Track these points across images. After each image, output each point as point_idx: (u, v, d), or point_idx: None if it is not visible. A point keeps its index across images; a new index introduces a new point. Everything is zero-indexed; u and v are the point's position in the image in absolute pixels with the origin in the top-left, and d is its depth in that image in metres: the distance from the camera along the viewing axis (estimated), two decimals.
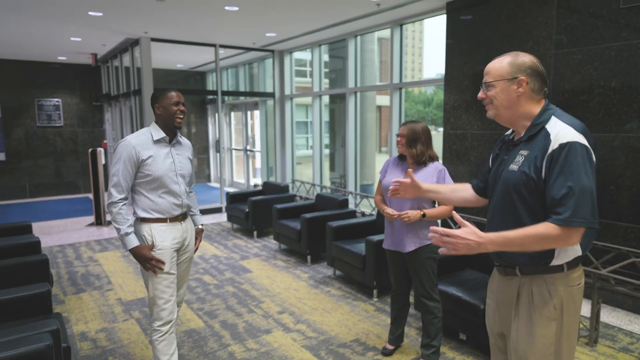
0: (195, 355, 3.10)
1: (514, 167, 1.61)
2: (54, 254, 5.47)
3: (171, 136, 2.53)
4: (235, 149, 10.46)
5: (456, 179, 4.35)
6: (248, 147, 9.79)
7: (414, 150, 2.79)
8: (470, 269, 3.65)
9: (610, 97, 3.73)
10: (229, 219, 6.60)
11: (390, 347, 3.11)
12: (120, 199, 2.39)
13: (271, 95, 8.16)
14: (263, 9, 5.14)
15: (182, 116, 2.53)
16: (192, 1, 4.83)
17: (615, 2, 3.64)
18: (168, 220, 2.49)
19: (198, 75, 10.74)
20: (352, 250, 4.15)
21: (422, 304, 2.90)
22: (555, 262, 1.56)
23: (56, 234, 6.45)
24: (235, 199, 6.52)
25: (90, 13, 5.23)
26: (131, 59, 7.24)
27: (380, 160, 7.97)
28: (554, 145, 1.50)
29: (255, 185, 8.51)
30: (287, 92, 8.07)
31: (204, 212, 7.63)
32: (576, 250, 1.57)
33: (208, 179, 11.21)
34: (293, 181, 8.04)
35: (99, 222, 6.87)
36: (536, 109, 1.62)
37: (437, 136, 6.92)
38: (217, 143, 8.31)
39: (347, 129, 6.76)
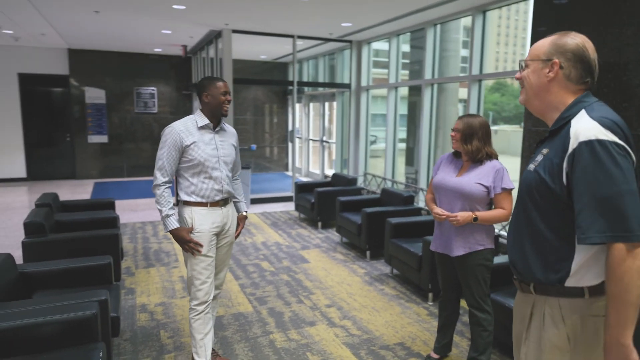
0: (238, 339, 3.17)
1: (531, 166, 1.38)
2: (135, 230, 5.95)
3: (215, 123, 2.58)
4: (313, 140, 10.57)
5: None
6: (324, 138, 9.83)
7: (469, 146, 2.55)
8: None
9: None
10: (296, 208, 6.68)
11: (435, 356, 2.91)
12: (163, 182, 2.49)
13: (347, 86, 8.08)
14: None
15: (228, 105, 2.57)
16: None
17: None
18: (209, 205, 2.55)
19: (281, 66, 10.99)
20: (409, 249, 3.96)
21: (471, 314, 2.67)
22: (571, 282, 1.29)
23: (141, 212, 7.02)
24: (303, 189, 6.58)
25: (174, 6, 5.54)
26: (215, 50, 7.59)
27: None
28: (573, 144, 1.24)
29: (325, 176, 8.52)
30: (364, 83, 7.93)
31: (274, 200, 7.82)
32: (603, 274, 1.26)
33: (286, 167, 11.48)
34: (365, 174, 7.91)
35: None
36: (569, 100, 1.35)
37: (513, 133, 6.32)
38: (291, 133, 8.45)
39: (422, 122, 6.46)
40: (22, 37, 7.93)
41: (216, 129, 2.60)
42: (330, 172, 9.56)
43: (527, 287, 1.40)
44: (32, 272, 2.91)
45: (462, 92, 7.63)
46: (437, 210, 2.58)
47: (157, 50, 9.47)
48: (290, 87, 10.78)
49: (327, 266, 4.68)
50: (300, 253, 5.10)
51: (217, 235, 2.63)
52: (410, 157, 7.76)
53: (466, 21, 6.53)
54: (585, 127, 1.24)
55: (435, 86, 6.44)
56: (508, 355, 2.99)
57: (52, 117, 9.65)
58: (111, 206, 4.96)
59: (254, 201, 7.56)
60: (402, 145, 7.81)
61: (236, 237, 2.78)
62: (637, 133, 3.32)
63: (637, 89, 3.61)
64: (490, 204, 2.58)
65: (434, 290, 3.78)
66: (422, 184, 6.55)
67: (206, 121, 2.55)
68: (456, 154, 2.71)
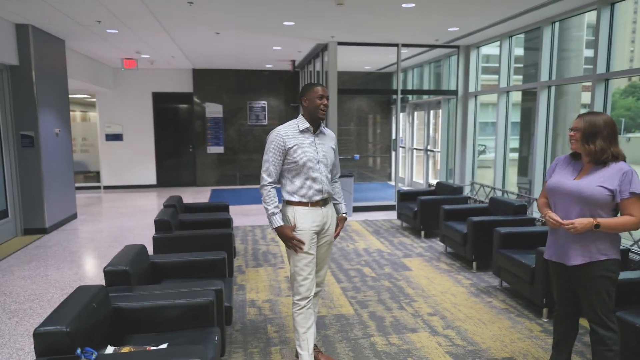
0: (339, 339, 3.23)
1: None
2: (245, 232, 6.40)
3: (315, 127, 2.70)
4: (416, 149, 10.39)
5: None
6: (429, 147, 9.61)
7: (591, 146, 2.32)
8: None
9: None
10: (399, 216, 6.61)
11: None
12: (269, 182, 2.67)
13: (454, 93, 7.83)
14: (440, 2, 4.98)
15: (325, 109, 2.67)
16: (369, 3, 5.01)
17: None
18: (309, 204, 2.67)
19: (385, 76, 11.04)
20: (520, 260, 3.70)
21: (592, 331, 2.41)
22: None
23: (252, 216, 7.52)
24: (405, 197, 6.50)
25: (284, 23, 5.92)
26: (321, 62, 7.90)
27: None
28: None
29: (429, 186, 8.30)
30: (471, 89, 7.62)
31: (376, 209, 7.83)
32: None
33: (389, 177, 11.43)
34: (472, 184, 7.56)
35: None
36: None
37: None
38: (394, 142, 8.41)
39: (537, 128, 6.01)
40: (157, 60, 9.07)
41: (316, 132, 2.72)
42: (434, 182, 9.31)
43: None
44: (161, 263, 3.30)
45: (586, 97, 6.94)
46: (552, 215, 2.39)
47: (268, 66, 10.14)
48: (394, 96, 10.81)
49: (430, 275, 4.55)
50: (402, 261, 5.04)
51: (318, 234, 2.73)
52: (524, 167, 7.23)
53: (590, 18, 5.96)
54: None
55: (553, 89, 5.95)
56: None
57: (178, 130, 10.84)
58: (226, 209, 5.41)
59: (356, 209, 7.65)
60: (514, 155, 7.33)
61: (335, 236, 2.86)
62: None
63: None
64: (615, 210, 2.32)
65: (548, 306, 3.48)
66: (536, 193, 6.06)
67: (306, 125, 2.68)
68: (575, 156, 2.48)
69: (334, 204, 2.89)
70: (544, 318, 3.52)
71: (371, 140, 11.42)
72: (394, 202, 7.89)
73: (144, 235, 6.09)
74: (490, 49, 7.82)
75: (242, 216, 7.44)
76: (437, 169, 9.62)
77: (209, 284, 2.75)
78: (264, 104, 10.90)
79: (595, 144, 2.31)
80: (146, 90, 10.45)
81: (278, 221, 2.65)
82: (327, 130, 2.81)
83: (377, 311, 3.70)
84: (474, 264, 4.67)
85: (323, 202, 2.73)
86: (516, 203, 4.84)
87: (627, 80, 5.89)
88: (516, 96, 7.09)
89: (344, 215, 2.93)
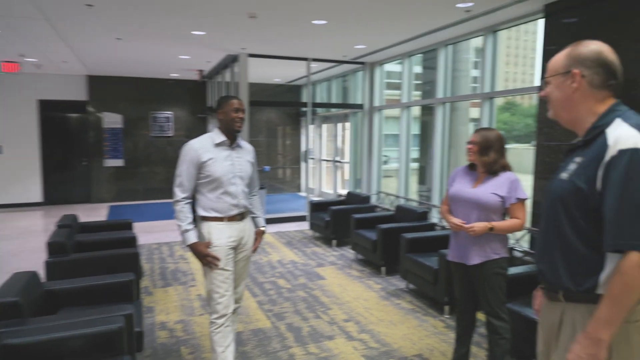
0: (258, 354, 3.19)
1: (564, 175, 1.39)
2: (151, 251, 6.04)
3: (231, 140, 2.67)
4: (325, 160, 10.67)
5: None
6: (337, 158, 9.93)
7: (485, 158, 2.62)
8: None
9: None
10: (311, 227, 6.73)
11: None
12: (183, 198, 2.58)
13: (360, 107, 8.21)
14: (350, 21, 5.23)
15: (241, 122, 2.66)
16: (281, 17, 5.09)
17: None
18: (225, 220, 2.62)
19: (294, 88, 11.22)
20: (424, 263, 3.98)
21: (487, 322, 2.70)
22: (600, 290, 1.30)
23: (156, 233, 7.12)
24: (317, 208, 6.64)
25: (193, 32, 5.77)
26: (231, 74, 7.81)
27: None
28: (612, 152, 1.25)
29: (339, 195, 8.58)
30: (376, 103, 8.06)
31: (288, 220, 7.88)
32: None
33: (298, 188, 11.57)
34: (378, 193, 7.96)
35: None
36: (600, 108, 1.37)
37: (525, 150, 6.35)
38: (305, 153, 8.60)
39: (435, 141, 6.53)
40: (45, 64, 8.25)
41: (232, 146, 2.69)
42: (343, 192, 9.63)
43: (556, 296, 1.42)
44: (58, 290, 2.99)
45: (473, 112, 7.72)
46: (455, 220, 2.63)
47: (174, 75, 9.76)
48: (304, 109, 11.02)
49: (343, 282, 4.69)
50: (315, 270, 5.12)
51: (235, 249, 2.69)
52: (423, 176, 7.80)
53: (476, 42, 6.67)
54: (626, 136, 1.25)
55: (448, 105, 6.52)
56: None
57: (69, 142, 9.90)
58: (129, 227, 5.06)
59: (269, 221, 7.62)
60: (414, 165, 7.86)
61: (254, 250, 2.84)
62: None
63: None
64: (504, 214, 2.62)
65: (450, 303, 3.78)
66: (435, 200, 6.57)
67: (222, 138, 2.65)
68: (471, 167, 2.77)
69: (252, 218, 2.87)
70: (445, 315, 3.82)
71: (281, 152, 11.49)
72: (305, 213, 8.01)
73: (32, 261, 5.46)
74: (393, 66, 8.35)
75: (146, 234, 7.01)
76: (345, 180, 9.97)
77: (117, 309, 2.56)
78: (169, 114, 10.44)
79: (489, 156, 2.61)
80: (30, 98, 9.41)
81: (191, 238, 2.56)
82: (244, 144, 2.79)
83: (294, 322, 3.73)
84: (383, 269, 4.91)
85: (240, 217, 2.70)
86: (419, 210, 5.21)
87: (504, 97, 6.67)
88: (415, 110, 7.64)
89: (262, 229, 2.92)
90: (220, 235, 2.61)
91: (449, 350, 3.21)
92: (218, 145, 2.64)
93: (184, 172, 2.58)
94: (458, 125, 7.04)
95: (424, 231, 4.78)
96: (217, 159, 2.61)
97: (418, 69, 7.68)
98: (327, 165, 10.72)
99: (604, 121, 1.34)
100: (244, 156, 2.76)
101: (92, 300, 3.03)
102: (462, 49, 6.79)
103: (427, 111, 7.54)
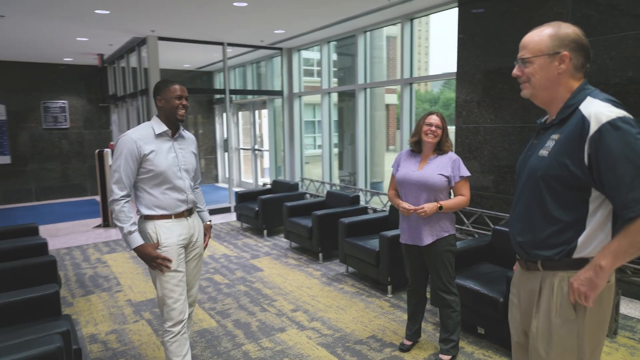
0: (209, 355, 3.02)
1: (543, 152, 1.46)
2: (61, 257, 5.41)
3: (174, 130, 2.45)
4: (244, 149, 10.40)
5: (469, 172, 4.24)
6: (256, 147, 9.72)
7: (447, 142, 2.73)
8: (487, 262, 3.55)
9: (627, 87, 3.62)
10: (238, 218, 6.52)
11: (408, 343, 3.02)
12: (122, 196, 2.31)
13: (279, 93, 8.09)
14: (272, 4, 5.07)
15: (184, 110, 2.43)
16: None
17: None
18: (173, 217, 2.41)
19: (205, 75, 10.70)
20: (365, 246, 4.06)
21: (440, 298, 2.81)
22: (577, 254, 1.42)
23: (63, 237, 6.40)
24: (244, 198, 6.45)
25: (97, 11, 5.18)
26: (138, 58, 7.19)
27: (390, 158, 7.88)
28: (594, 126, 1.33)
29: (264, 184, 8.43)
30: (296, 90, 7.99)
31: (212, 212, 7.56)
32: (606, 242, 1.39)
33: (216, 179, 11.15)
34: (302, 180, 7.96)
35: (107, 224, 6.81)
36: (574, 88, 1.45)
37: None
38: (226, 142, 8.26)
39: (357, 126, 6.67)
40: None
41: (175, 136, 2.47)
42: (263, 181, 9.48)
43: (535, 265, 1.51)
44: None
45: (388, 98, 8.02)
46: (405, 205, 2.70)
47: (68, 59, 8.74)
48: (217, 96, 10.57)
49: (282, 272, 4.63)
50: (251, 262, 4.98)
51: (185, 248, 2.49)
52: (342, 161, 7.96)
53: (388, 30, 6.89)
54: (603, 110, 1.33)
55: (369, 91, 6.68)
56: (469, 332, 3.18)
57: None
58: (35, 232, 4.45)
59: None
60: (335, 151, 7.99)
61: (204, 247, 2.66)
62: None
63: None
64: (449, 193, 2.75)
65: (393, 283, 3.91)
66: (361, 184, 6.74)
67: (164, 128, 2.41)
68: (414, 150, 2.84)
69: (198, 212, 2.67)
70: (389, 294, 3.95)
71: None
72: (228, 204, 7.75)
73: None
74: (308, 54, 8.34)
75: (51, 238, 6.26)
76: (264, 168, 9.81)
77: (51, 327, 2.24)
78: (63, 103, 9.35)
79: (448, 139, 2.73)
80: None
81: (137, 240, 2.30)
82: (186, 134, 2.57)
83: (241, 318, 3.59)
84: (321, 255, 4.93)
85: (188, 213, 2.50)
86: (351, 195, 5.30)
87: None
88: (333, 97, 7.72)
89: (209, 223, 2.74)
90: (170, 234, 2.39)
91: (400, 328, 3.32)
92: (159, 135, 2.40)
93: (121, 167, 2.30)
94: (375, 111, 7.27)
95: (357, 215, 4.87)
96: (159, 151, 2.37)
97: (334, 56, 7.76)
98: (245, 154, 10.46)
99: (577, 99, 1.43)
100: (187, 147, 2.54)
101: (11, 320, 2.62)
102: (376, 36, 6.99)
103: (344, 97, 7.67)
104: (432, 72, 5.66)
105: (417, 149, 2.82)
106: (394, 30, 6.69)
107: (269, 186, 6.96)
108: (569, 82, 1.45)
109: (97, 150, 6.70)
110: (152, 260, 2.32)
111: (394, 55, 7.49)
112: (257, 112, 9.75)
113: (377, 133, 7.29)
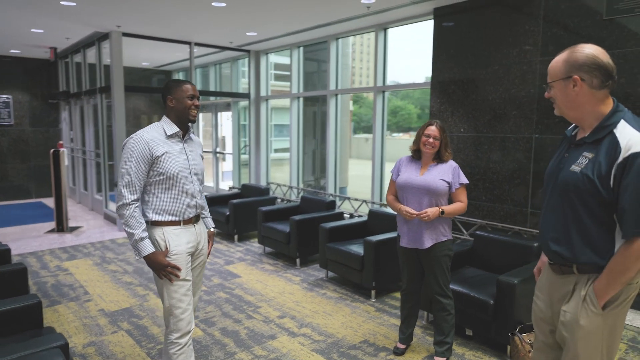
0: None
1: (575, 168, 1.57)
2: None
3: (184, 131, 2.37)
4: (204, 152, 10.12)
5: None
6: (218, 150, 9.51)
7: (446, 152, 2.82)
8: (469, 266, 3.70)
9: None
10: None
11: (402, 346, 3.08)
12: (133, 200, 2.20)
13: (246, 96, 7.97)
14: (251, 6, 5.00)
15: (196, 110, 2.37)
16: None
17: (598, 14, 3.85)
18: (182, 223, 2.32)
19: (164, 74, 10.32)
20: (349, 251, 4.10)
21: (436, 301, 2.89)
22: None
23: (12, 242, 5.92)
24: (213, 202, 6.29)
25: (62, 2, 4.86)
26: (98, 54, 6.82)
27: (352, 164, 8.00)
28: (624, 154, 1.45)
29: (231, 188, 8.25)
30: (263, 93, 7.92)
31: None
32: None
33: None
34: (268, 184, 7.88)
35: (61, 228, 6.38)
36: (603, 107, 1.56)
37: (392, 141, 7.05)
38: None
39: (328, 131, 6.71)
40: None
41: (185, 138, 2.38)
42: (223, 185, 9.28)
43: (569, 269, 1.63)
44: None
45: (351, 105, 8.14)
46: (407, 209, 2.76)
47: (14, 51, 8.11)
48: None
49: (261, 278, 4.56)
50: (227, 269, 4.86)
51: (192, 255, 2.40)
52: (309, 166, 7.97)
53: (354, 38, 7.02)
54: (636, 140, 1.45)
55: (340, 97, 6.75)
56: (457, 333, 3.29)
57: None
58: None
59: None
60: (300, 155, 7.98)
61: (208, 255, 2.58)
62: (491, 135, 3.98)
63: (524, 99, 4.34)
64: (448, 198, 2.85)
65: (376, 288, 3.97)
66: (331, 189, 6.79)
67: (175, 129, 2.32)
68: (414, 156, 2.93)
69: (202, 218, 2.58)
70: (372, 299, 4.00)
71: None
72: None
73: None
74: (279, 58, 8.29)
75: None
76: (223, 171, 9.61)
77: (48, 340, 2.07)
78: (7, 98, 8.66)
79: (447, 150, 2.81)
80: None
81: (148, 247, 2.19)
82: (194, 136, 2.49)
83: (227, 326, 3.50)
84: (298, 260, 4.91)
85: (196, 219, 2.42)
86: (327, 200, 5.32)
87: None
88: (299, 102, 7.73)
89: (212, 230, 2.65)
90: (179, 242, 2.29)
91: (389, 332, 3.38)
92: (170, 137, 2.30)
93: (132, 170, 2.18)
94: (341, 117, 7.36)
95: (335, 220, 4.91)
96: (171, 153, 2.27)
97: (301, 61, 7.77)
98: (205, 157, 10.17)
99: (611, 122, 1.54)
100: (196, 149, 2.46)
101: None
102: (345, 43, 7.09)
103: (309, 103, 7.70)
104: (389, 81, 5.81)
105: (417, 156, 2.90)
106: (357, 37, 6.83)
107: (236, 190, 6.83)
108: (591, 101, 1.56)
109: (52, 150, 6.26)
110: (163, 268, 2.21)
111: (357, 62, 7.66)
112: (219, 114, 9.54)
113: (342, 138, 7.38)
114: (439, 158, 2.82)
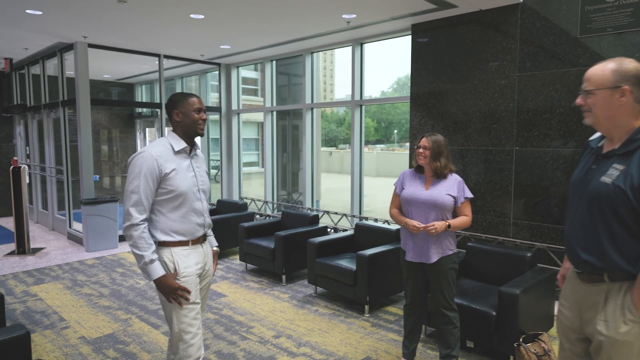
0: None
1: (606, 179, 1.61)
2: None
3: (191, 146, 2.27)
4: None
5: None
6: None
7: (437, 163, 2.82)
8: (464, 277, 3.76)
9: (570, 116, 4.14)
10: None
11: None
12: (142, 221, 2.08)
13: (217, 109, 7.81)
14: (229, 18, 4.93)
15: (204, 125, 2.29)
16: (156, 7, 4.47)
17: (573, 32, 4.09)
18: (190, 243, 2.21)
19: (125, 87, 9.94)
20: (340, 266, 4.05)
21: (442, 315, 2.90)
22: None
23: None
24: None
25: (28, 11, 4.58)
26: (59, 65, 6.47)
27: (326, 177, 8.01)
28: None
29: (210, 204, 8.01)
30: (234, 107, 7.79)
31: None
32: None
33: None
34: (241, 199, 7.73)
35: (22, 250, 5.93)
36: (636, 121, 1.61)
37: (345, 153, 7.12)
38: None
39: (305, 144, 6.69)
40: None
41: (191, 154, 2.29)
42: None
43: (600, 278, 1.66)
44: None
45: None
46: (414, 222, 2.76)
47: None
48: (140, 110, 9.88)
49: (248, 297, 4.42)
50: (210, 288, 4.67)
51: (199, 276, 2.29)
52: (284, 180, 7.89)
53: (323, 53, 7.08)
54: None
55: (316, 111, 6.75)
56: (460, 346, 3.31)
57: None
58: None
59: (123, 238, 6.61)
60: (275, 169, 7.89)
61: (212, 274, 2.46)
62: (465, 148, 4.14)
63: (503, 113, 4.51)
64: (454, 211, 2.89)
65: (370, 303, 3.95)
66: (308, 204, 6.74)
67: (183, 144, 2.22)
68: (418, 169, 2.95)
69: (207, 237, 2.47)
70: (366, 314, 3.97)
71: (109, 159, 10.05)
72: None
73: None
74: (250, 73, 8.21)
75: None
76: None
77: None
78: None
79: (441, 161, 2.82)
80: None
81: (159, 270, 2.07)
82: (199, 151, 2.39)
83: (222, 348, 3.35)
84: (284, 277, 4.80)
85: (204, 238, 2.31)
86: (310, 214, 5.27)
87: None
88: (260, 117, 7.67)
89: (216, 248, 2.54)
90: (188, 263, 2.18)
91: (390, 347, 3.35)
92: (178, 153, 2.20)
93: (141, 188, 2.06)
94: (316, 131, 7.38)
95: (320, 235, 4.86)
96: (180, 170, 2.17)
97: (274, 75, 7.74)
98: None
99: None
100: (202, 165, 2.36)
101: None
102: (315, 58, 7.13)
103: (282, 116, 7.66)
104: (337, 96, 5.92)
105: (420, 170, 2.92)
106: (322, 54, 6.92)
107: (211, 206, 6.64)
108: (629, 113, 1.62)
109: (12, 167, 5.84)
110: (173, 292, 2.09)
111: (323, 76, 7.74)
112: None
113: (317, 153, 7.38)
114: (442, 175, 2.83)
